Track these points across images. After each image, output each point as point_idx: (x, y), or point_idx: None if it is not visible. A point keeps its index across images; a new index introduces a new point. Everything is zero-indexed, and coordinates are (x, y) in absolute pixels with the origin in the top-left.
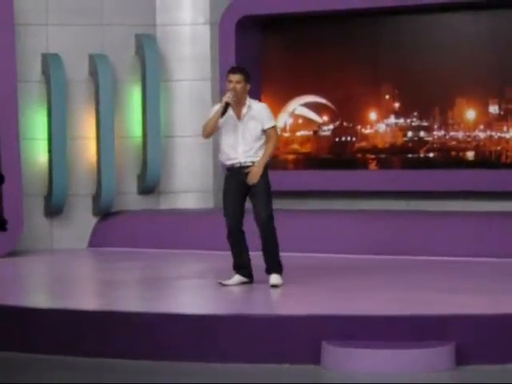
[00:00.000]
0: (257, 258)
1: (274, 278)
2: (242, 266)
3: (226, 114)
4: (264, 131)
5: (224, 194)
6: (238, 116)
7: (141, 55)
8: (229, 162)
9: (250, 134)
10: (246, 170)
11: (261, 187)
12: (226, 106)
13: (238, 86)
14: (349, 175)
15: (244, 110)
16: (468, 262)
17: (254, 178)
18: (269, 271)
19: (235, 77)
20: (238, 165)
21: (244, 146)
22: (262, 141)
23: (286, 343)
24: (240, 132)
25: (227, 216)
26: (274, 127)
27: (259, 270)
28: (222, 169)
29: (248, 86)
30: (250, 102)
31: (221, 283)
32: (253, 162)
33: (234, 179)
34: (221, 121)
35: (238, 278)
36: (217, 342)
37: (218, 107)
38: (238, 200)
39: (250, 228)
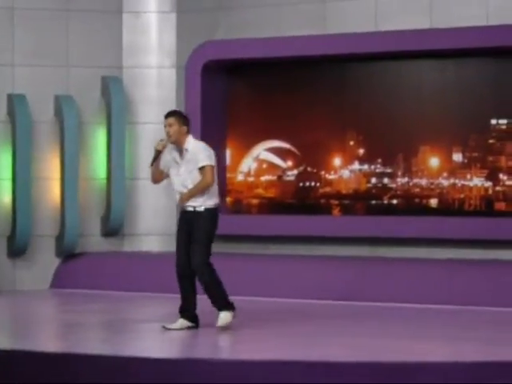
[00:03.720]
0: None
1: (221, 319)
2: (186, 309)
3: (169, 158)
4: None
5: (176, 237)
6: (181, 156)
7: (107, 97)
8: (179, 206)
9: (189, 178)
10: (189, 216)
11: (200, 233)
12: (158, 153)
13: (171, 130)
14: (312, 220)
15: (183, 154)
16: (430, 309)
17: (180, 200)
18: (218, 309)
19: (167, 120)
20: (182, 210)
21: (185, 190)
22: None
23: None
24: (182, 176)
25: (176, 260)
26: (207, 166)
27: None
28: None
29: (184, 128)
30: (188, 144)
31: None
32: (194, 208)
33: (181, 224)
34: (163, 166)
35: (181, 321)
36: None
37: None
38: (184, 244)
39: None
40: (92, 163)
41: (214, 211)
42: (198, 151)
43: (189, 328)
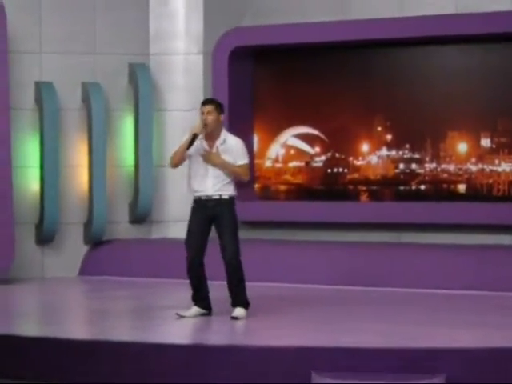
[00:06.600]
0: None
1: (237, 311)
2: (200, 298)
3: (198, 145)
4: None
5: (188, 225)
6: (211, 148)
7: (134, 84)
8: (196, 194)
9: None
10: (212, 204)
11: (226, 221)
12: (194, 137)
13: (210, 118)
14: (340, 207)
15: (218, 143)
16: (458, 295)
17: (207, 159)
18: (233, 305)
19: (206, 108)
20: (204, 197)
21: (214, 178)
22: (232, 176)
23: (275, 375)
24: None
25: (189, 249)
26: (247, 164)
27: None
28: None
29: (221, 117)
30: (225, 135)
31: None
32: (220, 196)
33: (200, 212)
34: (191, 151)
35: (195, 309)
36: (205, 372)
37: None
38: (201, 233)
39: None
40: (120, 150)
41: (234, 199)
42: (239, 146)
43: (202, 315)
